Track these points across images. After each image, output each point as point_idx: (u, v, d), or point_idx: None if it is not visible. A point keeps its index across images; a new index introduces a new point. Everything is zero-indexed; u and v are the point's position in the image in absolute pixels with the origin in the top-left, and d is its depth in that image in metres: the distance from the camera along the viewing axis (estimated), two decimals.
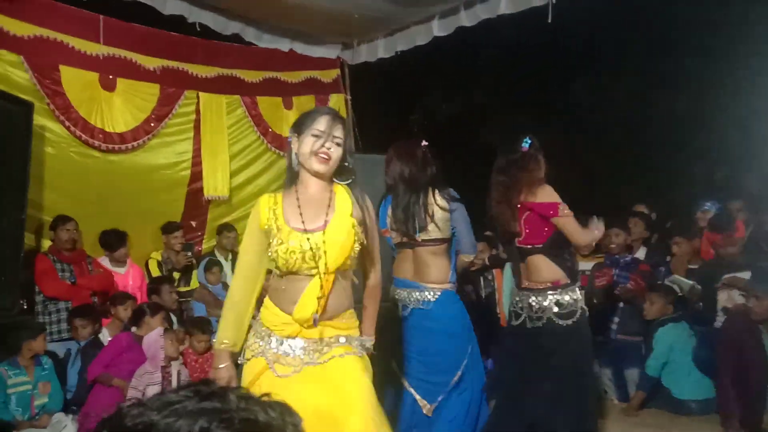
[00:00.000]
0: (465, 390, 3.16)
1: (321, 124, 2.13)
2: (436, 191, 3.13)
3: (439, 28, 5.75)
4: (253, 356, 2.15)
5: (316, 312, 2.06)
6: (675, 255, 4.91)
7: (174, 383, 4.00)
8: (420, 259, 3.15)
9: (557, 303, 3.03)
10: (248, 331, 2.23)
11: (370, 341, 2.25)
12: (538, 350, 3.05)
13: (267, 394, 0.74)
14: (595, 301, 4.63)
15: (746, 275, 4.28)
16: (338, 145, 2.14)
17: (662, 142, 8.59)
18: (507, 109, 9.41)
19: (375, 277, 2.31)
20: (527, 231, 3.08)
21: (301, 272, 2.09)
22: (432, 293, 3.12)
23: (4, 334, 3.94)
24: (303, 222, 2.10)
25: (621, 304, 4.63)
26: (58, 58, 4.97)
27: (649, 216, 5.54)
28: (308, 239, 2.06)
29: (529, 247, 3.10)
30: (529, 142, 3.15)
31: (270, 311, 2.17)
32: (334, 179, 2.21)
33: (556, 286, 3.05)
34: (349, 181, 2.21)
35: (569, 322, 3.01)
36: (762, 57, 6.86)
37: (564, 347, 3.01)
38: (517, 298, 3.17)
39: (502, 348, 3.56)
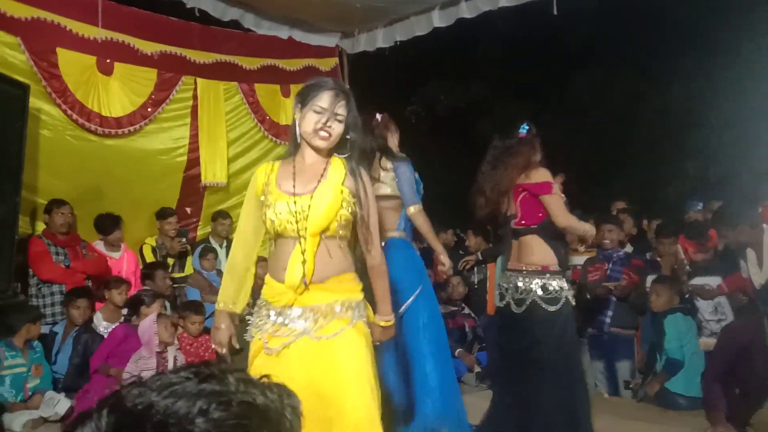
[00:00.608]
0: (418, 315, 3.28)
1: (323, 100, 2.13)
2: (383, 156, 3.32)
3: (439, 19, 5.74)
4: (255, 334, 2.17)
5: (304, 276, 2.06)
6: (662, 255, 4.94)
7: (170, 368, 4.02)
8: None
9: (543, 287, 3.04)
10: (254, 310, 2.25)
11: (368, 308, 2.21)
12: (521, 335, 3.08)
13: (267, 376, 0.74)
14: (588, 296, 4.67)
15: (716, 281, 4.39)
16: (339, 121, 2.15)
17: (657, 140, 8.63)
18: (504, 100, 9.42)
19: (376, 254, 2.25)
20: (522, 212, 3.12)
21: (287, 235, 2.10)
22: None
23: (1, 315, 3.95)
24: (294, 186, 2.13)
25: (614, 298, 4.66)
26: (56, 41, 4.93)
27: (637, 211, 5.59)
28: (295, 202, 2.09)
29: (523, 228, 3.14)
30: (527, 128, 3.20)
31: (268, 285, 2.19)
32: (335, 153, 2.22)
33: (544, 271, 3.08)
34: (347, 154, 2.22)
35: (553, 308, 3.02)
36: (758, 57, 6.89)
37: (547, 333, 3.02)
38: (503, 280, 3.20)
39: (489, 336, 3.56)
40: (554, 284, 3.05)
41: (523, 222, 3.13)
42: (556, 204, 3.06)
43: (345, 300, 2.12)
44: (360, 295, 2.18)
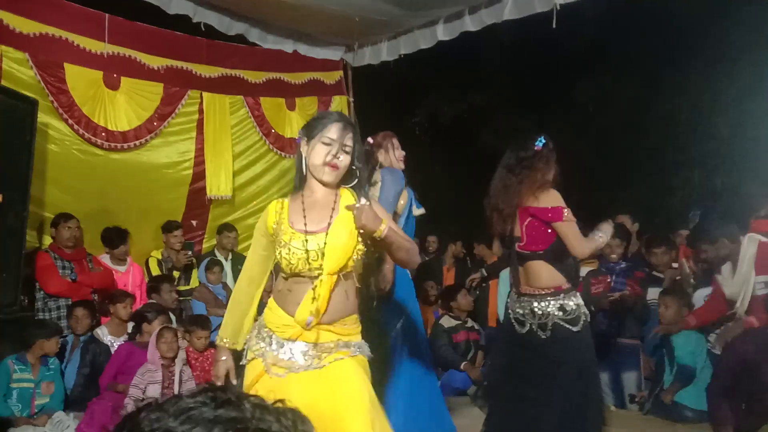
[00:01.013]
0: (404, 339, 3.27)
1: (332, 132, 2.13)
2: (378, 170, 3.30)
3: (443, 33, 5.77)
4: (253, 357, 2.16)
5: (312, 314, 2.05)
6: (658, 267, 4.93)
7: (176, 382, 4.02)
8: None
9: (561, 308, 2.94)
10: (252, 331, 2.24)
11: (367, 348, 2.20)
12: (544, 359, 2.95)
13: (281, 401, 0.75)
14: (592, 308, 4.66)
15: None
16: (347, 153, 2.15)
17: (663, 149, 8.61)
18: (509, 112, 9.43)
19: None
20: (528, 237, 3.00)
21: (304, 273, 2.09)
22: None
23: (13, 329, 3.98)
24: (305, 224, 2.11)
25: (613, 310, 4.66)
26: (63, 56, 4.98)
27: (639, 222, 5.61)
28: (308, 241, 2.07)
29: (528, 252, 3.01)
30: (543, 141, 3.05)
31: (273, 312, 2.17)
32: (341, 185, 2.22)
33: (558, 291, 2.97)
34: (354, 183, 2.22)
35: (576, 328, 2.93)
36: (763, 63, 6.89)
37: (574, 355, 2.93)
38: (518, 306, 3.06)
39: (500, 355, 3.42)
40: (571, 303, 2.96)
41: (528, 246, 3.02)
42: (572, 233, 2.91)
43: (347, 342, 2.14)
44: (359, 337, 2.20)
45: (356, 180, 2.21)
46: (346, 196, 2.19)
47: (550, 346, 2.94)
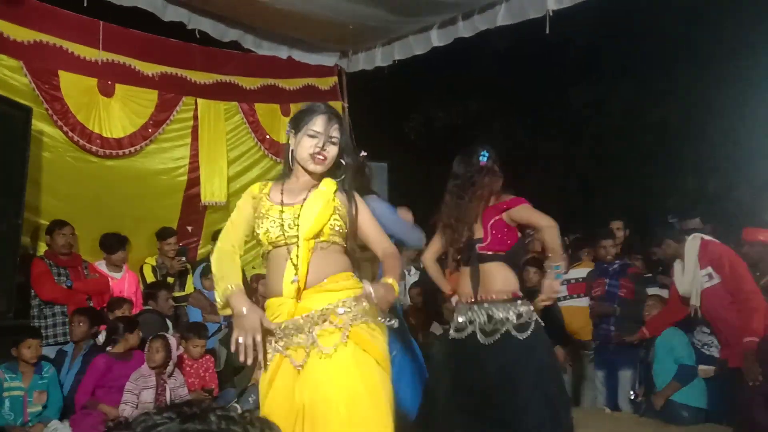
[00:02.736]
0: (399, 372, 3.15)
1: (317, 124, 2.15)
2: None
3: (437, 38, 5.80)
4: (272, 356, 2.13)
5: (297, 280, 2.05)
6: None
7: (168, 388, 4.01)
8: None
9: (517, 315, 2.94)
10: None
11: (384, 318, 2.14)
12: (494, 366, 2.92)
13: (248, 411, 0.77)
14: (596, 311, 4.73)
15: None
16: (334, 144, 2.17)
17: (656, 153, 8.66)
18: (503, 118, 9.47)
19: (386, 248, 2.25)
20: (492, 237, 3.02)
21: (280, 244, 2.12)
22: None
23: (8, 336, 3.94)
24: (282, 199, 2.17)
25: (617, 306, 4.70)
26: (57, 64, 4.99)
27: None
28: (284, 211, 2.13)
29: (490, 254, 3.03)
30: (486, 155, 3.11)
31: (269, 308, 2.16)
32: (327, 177, 2.24)
33: (515, 298, 3.00)
34: (342, 177, 2.24)
35: (526, 334, 2.92)
36: (757, 71, 6.94)
37: (525, 360, 2.91)
38: (467, 313, 3.04)
39: (436, 365, 3.34)
40: (524, 309, 2.97)
41: (491, 247, 3.03)
42: (528, 210, 2.99)
43: (347, 298, 2.08)
44: (357, 292, 2.11)
45: (342, 174, 2.23)
46: (328, 181, 2.21)
47: (501, 352, 2.92)
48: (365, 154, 3.41)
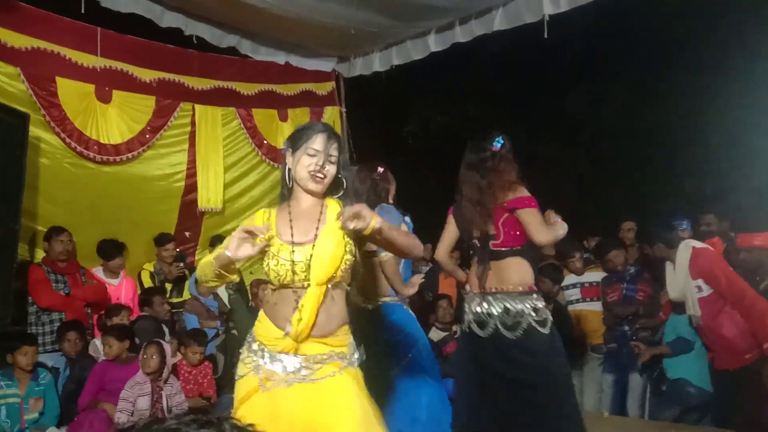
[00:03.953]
0: (414, 374, 3.25)
1: (317, 143, 2.13)
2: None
3: (435, 44, 5.81)
4: (246, 373, 2.12)
5: (300, 328, 2.03)
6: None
7: (165, 395, 3.99)
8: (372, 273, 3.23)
9: (534, 309, 2.89)
10: (244, 344, 2.20)
11: (359, 356, 2.17)
12: (516, 363, 2.89)
13: (252, 425, 0.79)
14: (611, 314, 4.75)
15: None
16: (333, 163, 2.15)
17: (653, 156, 8.67)
18: (501, 122, 9.48)
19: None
20: (505, 234, 2.97)
21: (292, 286, 2.08)
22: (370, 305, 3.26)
23: (5, 343, 3.94)
24: (292, 235, 2.11)
25: (631, 317, 4.70)
26: (55, 70, 4.99)
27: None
28: (295, 252, 2.06)
29: (505, 249, 2.98)
30: (501, 141, 3.04)
31: (264, 325, 2.15)
32: (328, 195, 2.22)
33: (531, 291, 2.95)
34: (340, 193, 2.22)
35: (546, 330, 2.89)
36: (754, 73, 6.96)
37: (548, 358, 2.89)
38: (480, 306, 2.98)
39: (462, 371, 3.24)
40: (541, 305, 2.93)
41: (505, 244, 2.98)
42: (537, 220, 2.91)
43: (339, 352, 2.11)
44: (350, 347, 2.16)
45: (342, 190, 2.21)
46: (333, 206, 2.19)
47: (522, 349, 2.88)
48: (382, 170, 3.39)
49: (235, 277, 2.20)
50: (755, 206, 5.65)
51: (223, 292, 5.48)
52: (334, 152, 2.15)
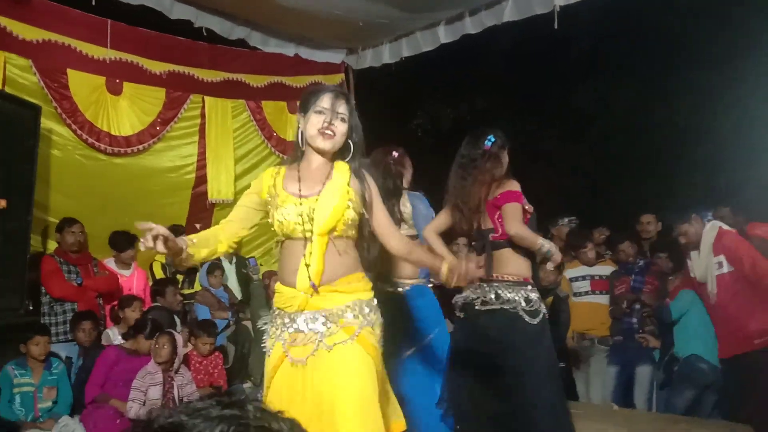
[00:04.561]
0: (432, 356, 3.27)
1: (324, 101, 2.17)
2: (405, 195, 3.33)
3: (445, 35, 5.79)
4: (273, 344, 2.16)
5: (310, 278, 2.07)
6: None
7: (176, 385, 4.03)
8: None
9: (526, 299, 2.94)
10: (269, 324, 2.23)
11: (376, 310, 2.18)
12: (496, 347, 2.93)
13: (281, 412, 0.82)
14: (619, 305, 4.76)
15: None
16: (342, 120, 2.18)
17: (663, 151, 8.61)
18: (510, 115, 9.45)
19: (397, 244, 2.26)
20: (502, 227, 3.01)
21: (295, 236, 2.12)
22: (401, 288, 3.28)
23: (19, 333, 3.98)
24: (299, 189, 2.16)
25: (637, 306, 4.72)
26: (66, 62, 5.02)
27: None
28: (301, 203, 2.12)
29: (503, 241, 3.03)
30: (492, 140, 3.09)
31: (279, 293, 2.19)
32: (337, 159, 2.25)
33: (525, 282, 3.01)
34: (349, 157, 2.24)
35: (536, 321, 2.93)
36: (763, 66, 6.89)
37: (535, 348, 2.93)
38: (478, 290, 3.03)
39: (456, 358, 3.24)
40: (534, 296, 2.98)
41: (504, 236, 3.02)
42: (511, 212, 2.95)
43: (356, 302, 2.13)
44: (370, 294, 2.19)
45: (350, 154, 2.24)
46: (340, 166, 2.23)
47: (505, 335, 2.92)
48: (397, 154, 3.42)
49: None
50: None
51: (235, 284, 5.52)
52: (343, 110, 2.18)
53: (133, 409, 3.84)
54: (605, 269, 5.05)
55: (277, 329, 2.16)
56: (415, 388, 3.12)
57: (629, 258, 4.82)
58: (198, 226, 5.84)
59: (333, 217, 2.10)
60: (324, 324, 2.09)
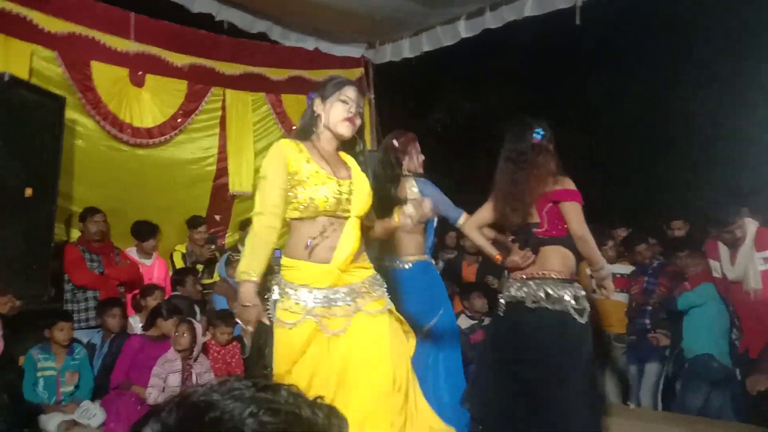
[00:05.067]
0: (439, 334, 3.36)
1: (349, 92, 2.31)
2: (411, 180, 3.38)
3: (465, 29, 5.78)
4: (299, 320, 2.18)
5: (348, 254, 2.21)
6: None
7: (194, 373, 4.10)
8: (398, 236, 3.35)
9: (575, 297, 2.87)
10: (283, 295, 2.26)
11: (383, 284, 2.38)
12: (543, 346, 2.87)
13: (320, 397, 0.83)
14: (633, 305, 4.79)
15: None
16: (360, 115, 2.34)
17: (684, 146, 8.51)
18: (529, 110, 9.38)
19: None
20: (549, 222, 2.95)
21: (328, 214, 2.22)
22: (407, 264, 3.39)
23: (36, 320, 4.07)
24: (333, 171, 2.27)
25: (649, 307, 4.71)
26: (90, 54, 5.09)
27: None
28: (339, 184, 2.24)
29: (548, 237, 2.96)
30: (542, 132, 3.01)
31: (302, 269, 2.22)
32: (341, 149, 2.39)
33: (572, 280, 2.93)
34: (356, 151, 2.40)
35: (583, 320, 2.88)
36: None
37: (576, 349, 2.87)
38: (524, 289, 2.95)
39: (489, 352, 3.20)
40: (582, 294, 2.92)
41: (549, 232, 2.96)
42: (579, 214, 2.89)
43: (370, 276, 2.32)
44: (373, 270, 2.38)
45: (357, 148, 2.39)
46: (348, 158, 2.38)
47: (554, 334, 2.86)
48: (397, 142, 3.48)
49: None
50: None
51: None
52: (361, 105, 2.34)
53: (153, 395, 3.91)
54: (625, 268, 5.04)
55: (302, 303, 2.19)
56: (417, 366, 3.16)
57: (645, 260, 4.81)
58: (218, 217, 5.91)
59: (367, 202, 2.28)
60: (359, 296, 2.23)
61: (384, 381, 2.17)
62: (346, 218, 2.24)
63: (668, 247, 4.94)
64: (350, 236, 2.21)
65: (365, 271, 2.31)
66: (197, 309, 4.79)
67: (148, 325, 4.35)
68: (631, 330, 4.83)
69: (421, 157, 3.50)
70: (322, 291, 2.19)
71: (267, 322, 2.24)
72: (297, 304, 2.20)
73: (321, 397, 0.82)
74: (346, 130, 2.30)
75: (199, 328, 4.17)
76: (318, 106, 2.33)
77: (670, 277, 4.69)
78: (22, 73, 4.53)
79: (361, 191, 2.28)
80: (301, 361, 2.20)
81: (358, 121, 2.33)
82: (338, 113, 2.28)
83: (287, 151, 2.25)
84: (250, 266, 2.18)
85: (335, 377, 2.17)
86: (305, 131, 2.36)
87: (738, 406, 4.12)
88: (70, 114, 4.83)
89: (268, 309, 2.26)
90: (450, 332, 3.44)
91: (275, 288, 2.27)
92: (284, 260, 2.28)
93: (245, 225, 5.74)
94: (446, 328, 3.40)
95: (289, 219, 2.25)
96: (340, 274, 2.21)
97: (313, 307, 2.18)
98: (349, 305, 2.21)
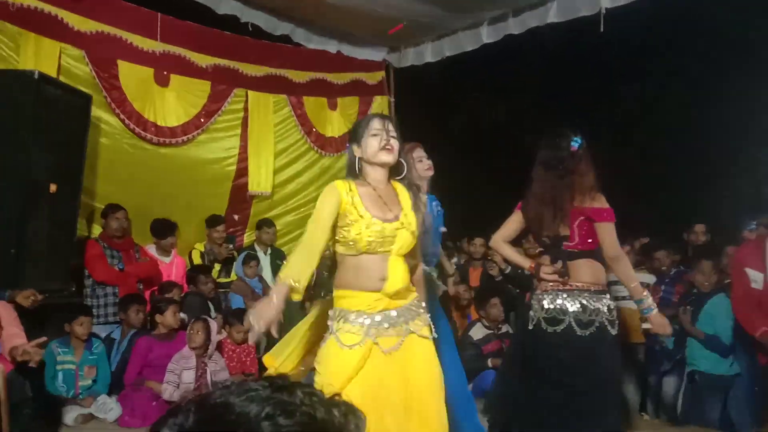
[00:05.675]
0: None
1: (376, 123, 2.41)
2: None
3: (487, 35, 5.77)
4: (360, 342, 2.30)
5: (398, 285, 2.34)
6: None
7: (209, 371, 4.13)
8: None
9: (608, 309, 2.86)
10: (338, 323, 2.36)
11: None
12: (583, 360, 2.85)
13: (338, 394, 0.83)
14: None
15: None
16: (395, 138, 2.40)
17: (712, 156, 8.40)
18: (552, 116, 9.34)
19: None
20: (580, 236, 2.92)
21: (373, 253, 2.34)
22: None
23: (56, 314, 4.14)
24: (381, 213, 2.37)
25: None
26: (117, 53, 5.18)
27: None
28: (384, 228, 2.33)
29: (578, 251, 2.93)
30: (579, 141, 2.94)
31: (353, 296, 2.36)
32: (390, 179, 2.46)
33: (605, 291, 2.91)
34: (402, 175, 2.46)
35: (615, 331, 2.87)
36: None
37: (609, 358, 2.87)
38: (558, 301, 2.90)
39: (515, 362, 3.17)
40: (613, 305, 2.91)
41: (579, 246, 2.93)
42: (610, 233, 2.87)
43: (414, 300, 2.45)
44: (416, 293, 2.52)
45: (404, 173, 2.47)
46: (401, 190, 2.46)
47: (591, 347, 2.83)
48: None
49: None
50: None
51: (269, 275, 5.61)
52: (392, 130, 2.41)
53: (168, 391, 3.96)
54: (644, 277, 4.98)
55: (359, 325, 2.32)
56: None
57: (663, 267, 4.74)
58: (236, 217, 5.96)
59: (410, 244, 2.40)
60: (409, 317, 2.38)
61: (443, 412, 2.38)
62: (388, 254, 2.36)
63: (686, 256, 4.89)
64: (397, 270, 2.35)
65: (411, 294, 2.45)
66: (211, 306, 4.83)
67: (151, 328, 4.43)
68: (649, 340, 4.77)
69: (427, 163, 3.33)
70: (376, 314, 2.34)
71: (276, 334, 2.29)
72: (355, 326, 2.33)
73: (338, 395, 0.82)
74: (386, 157, 2.38)
75: (213, 325, 4.20)
76: (356, 150, 2.44)
77: (685, 285, 4.64)
78: (51, 71, 4.62)
79: (404, 235, 2.37)
80: (357, 379, 2.32)
81: (396, 144, 2.39)
82: (372, 146, 2.38)
83: (340, 190, 2.37)
84: (291, 270, 2.27)
85: (399, 399, 2.32)
86: (351, 174, 2.46)
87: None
88: (96, 112, 4.90)
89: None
90: (449, 342, 3.34)
91: (330, 314, 2.40)
92: (336, 292, 2.41)
93: (261, 225, 5.79)
94: (444, 337, 3.34)
95: (338, 252, 2.41)
96: (390, 301, 2.36)
97: (369, 327, 2.32)
98: (401, 326, 2.37)
